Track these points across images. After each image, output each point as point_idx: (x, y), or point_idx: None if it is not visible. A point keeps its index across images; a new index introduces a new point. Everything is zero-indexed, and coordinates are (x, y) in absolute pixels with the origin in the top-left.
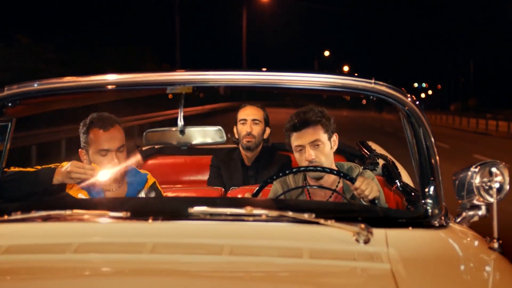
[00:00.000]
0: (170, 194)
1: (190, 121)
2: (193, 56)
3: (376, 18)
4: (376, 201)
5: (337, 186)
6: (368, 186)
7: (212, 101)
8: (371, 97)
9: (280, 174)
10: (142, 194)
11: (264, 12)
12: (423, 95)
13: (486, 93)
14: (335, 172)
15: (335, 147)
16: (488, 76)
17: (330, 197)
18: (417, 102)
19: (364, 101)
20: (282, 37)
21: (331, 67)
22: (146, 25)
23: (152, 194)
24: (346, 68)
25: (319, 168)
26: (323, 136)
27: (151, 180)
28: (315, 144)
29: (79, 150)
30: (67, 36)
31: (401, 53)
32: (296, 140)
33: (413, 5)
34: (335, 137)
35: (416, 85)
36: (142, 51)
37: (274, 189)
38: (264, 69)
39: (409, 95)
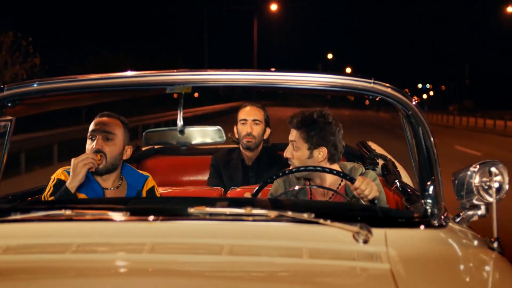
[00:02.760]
0: (170, 193)
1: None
2: (214, 61)
3: (379, 22)
4: (376, 201)
5: (338, 186)
6: (368, 186)
7: (226, 101)
8: (371, 96)
9: (280, 174)
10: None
11: (273, 20)
12: (424, 96)
13: (482, 95)
14: (334, 172)
15: (320, 159)
16: (485, 80)
17: (330, 198)
18: (416, 102)
19: (367, 102)
20: (288, 42)
21: (334, 70)
22: (176, 37)
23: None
24: (348, 70)
25: (319, 168)
26: (301, 143)
27: (151, 183)
28: (292, 144)
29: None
30: (131, 50)
31: (405, 55)
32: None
33: (415, 9)
34: (322, 150)
35: (420, 86)
36: (174, 59)
37: (276, 186)
38: (273, 69)
39: (410, 96)
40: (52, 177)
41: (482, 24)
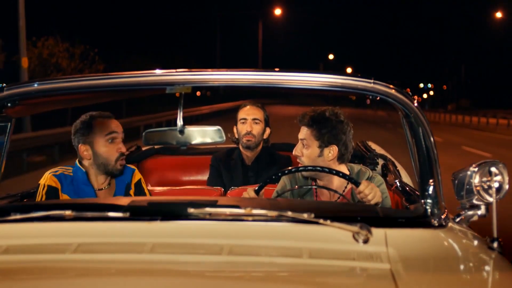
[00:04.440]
0: (170, 192)
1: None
2: (224, 63)
3: (379, 24)
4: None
5: (345, 188)
6: (372, 191)
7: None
8: (371, 96)
9: (286, 172)
10: (132, 190)
11: (277, 23)
12: (425, 96)
13: (478, 94)
14: (340, 174)
15: (330, 157)
16: (481, 80)
17: (338, 198)
18: (416, 102)
19: (368, 101)
20: (291, 44)
21: (335, 70)
22: (191, 42)
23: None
24: (349, 70)
25: (326, 170)
26: (312, 141)
27: (137, 176)
28: (302, 142)
29: (79, 145)
30: (155, 54)
31: (407, 55)
32: (299, 133)
33: (414, 10)
34: (332, 149)
35: (422, 85)
36: (188, 61)
37: (283, 183)
38: (277, 69)
39: (411, 96)
40: (41, 183)
41: (477, 25)
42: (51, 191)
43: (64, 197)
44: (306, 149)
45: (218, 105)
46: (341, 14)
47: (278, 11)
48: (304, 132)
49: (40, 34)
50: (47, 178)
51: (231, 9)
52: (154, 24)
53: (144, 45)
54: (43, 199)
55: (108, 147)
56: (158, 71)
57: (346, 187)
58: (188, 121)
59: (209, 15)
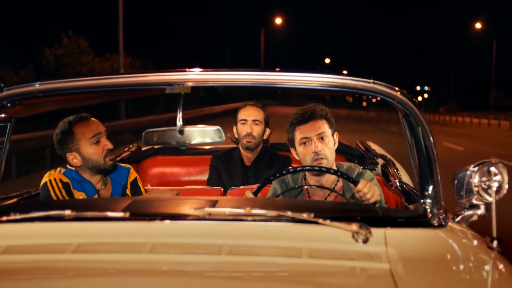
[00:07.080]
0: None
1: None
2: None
3: (376, 27)
4: (377, 205)
5: (335, 185)
6: (371, 190)
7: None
8: (370, 96)
9: (284, 172)
10: (128, 189)
11: (278, 30)
12: (420, 98)
13: (466, 97)
14: (339, 173)
15: (336, 145)
16: (470, 83)
17: (328, 195)
18: (415, 101)
19: (364, 104)
20: (289, 49)
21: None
22: (201, 48)
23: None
24: (345, 73)
25: (324, 169)
26: (328, 131)
27: (133, 175)
28: (321, 136)
29: (67, 155)
30: (178, 62)
31: (402, 57)
32: (301, 133)
33: (412, 13)
34: (336, 136)
35: (418, 88)
36: (203, 65)
37: (273, 188)
38: (277, 69)
39: (409, 95)
40: (51, 178)
41: (466, 31)
42: (66, 186)
43: (74, 192)
44: (325, 142)
45: (230, 104)
46: (337, 20)
47: (278, 20)
48: (317, 126)
49: (110, 50)
50: (54, 175)
51: (238, 18)
52: (174, 35)
53: (172, 55)
54: (63, 193)
55: (95, 149)
56: (158, 71)
57: (336, 184)
58: (202, 120)
59: (218, 25)
